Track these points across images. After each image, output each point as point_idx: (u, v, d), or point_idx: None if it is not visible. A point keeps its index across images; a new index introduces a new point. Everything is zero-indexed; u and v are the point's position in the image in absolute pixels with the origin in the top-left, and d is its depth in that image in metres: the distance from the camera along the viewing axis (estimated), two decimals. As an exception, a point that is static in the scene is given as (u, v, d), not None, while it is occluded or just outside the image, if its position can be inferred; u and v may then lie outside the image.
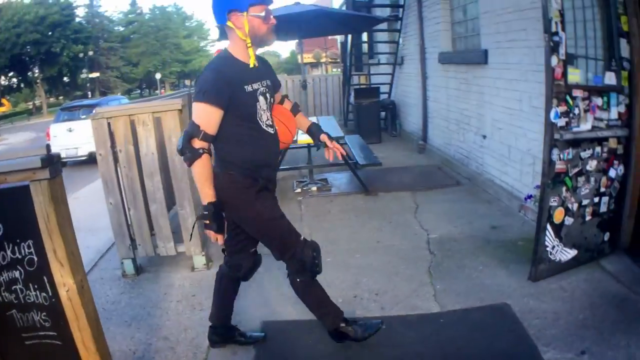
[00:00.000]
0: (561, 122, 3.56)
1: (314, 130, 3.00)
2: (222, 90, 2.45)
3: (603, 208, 4.02)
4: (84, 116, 11.22)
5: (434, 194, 6.27)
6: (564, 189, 3.71)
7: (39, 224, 1.97)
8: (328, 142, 2.95)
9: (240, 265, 2.95)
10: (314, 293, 2.97)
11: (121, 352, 3.29)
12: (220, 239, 2.66)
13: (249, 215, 2.71)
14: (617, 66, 3.81)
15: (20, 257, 2.05)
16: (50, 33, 44.71)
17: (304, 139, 5.94)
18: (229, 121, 2.53)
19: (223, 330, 3.20)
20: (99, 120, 4.03)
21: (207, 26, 65.36)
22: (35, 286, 2.08)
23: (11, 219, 2.04)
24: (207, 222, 2.58)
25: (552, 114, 3.48)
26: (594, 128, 3.75)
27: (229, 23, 2.50)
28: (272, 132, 2.72)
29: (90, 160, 10.03)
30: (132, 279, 4.40)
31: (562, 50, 3.41)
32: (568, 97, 3.55)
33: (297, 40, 7.07)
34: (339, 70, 23.98)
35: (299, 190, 6.44)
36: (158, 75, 52.82)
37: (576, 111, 3.62)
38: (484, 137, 6.38)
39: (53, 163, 1.96)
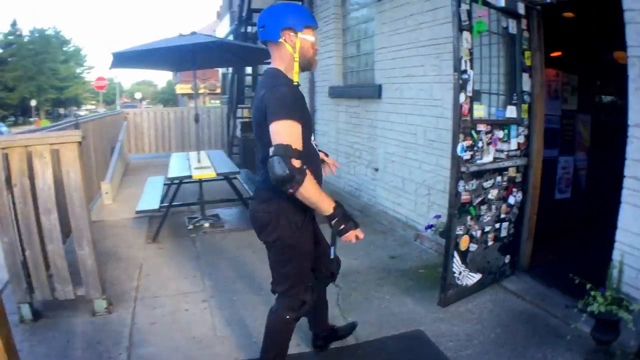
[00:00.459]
0: (466, 155, 3.76)
1: None
2: (300, 105, 2.43)
3: (503, 233, 4.31)
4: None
5: (325, 226, 6.30)
6: (468, 217, 3.92)
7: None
8: (326, 159, 3.03)
9: (304, 301, 2.74)
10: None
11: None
12: (361, 234, 2.52)
13: (288, 242, 2.59)
14: (518, 100, 4.15)
15: None
16: None
17: (198, 174, 5.73)
18: None
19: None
20: (-6, 150, 3.58)
21: (85, 52, 61.37)
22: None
23: None
24: (343, 226, 2.46)
25: (458, 148, 3.66)
26: (495, 159, 4.02)
27: (281, 40, 2.46)
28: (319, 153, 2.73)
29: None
30: (30, 325, 3.90)
31: (469, 88, 3.63)
32: (473, 132, 3.78)
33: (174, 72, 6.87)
34: (219, 102, 23.56)
35: (191, 226, 6.17)
36: (33, 102, 48.60)
37: (480, 144, 3.86)
38: (376, 170, 6.58)
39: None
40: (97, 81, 31.78)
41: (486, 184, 4.01)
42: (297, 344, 3.43)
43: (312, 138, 2.67)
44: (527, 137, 4.31)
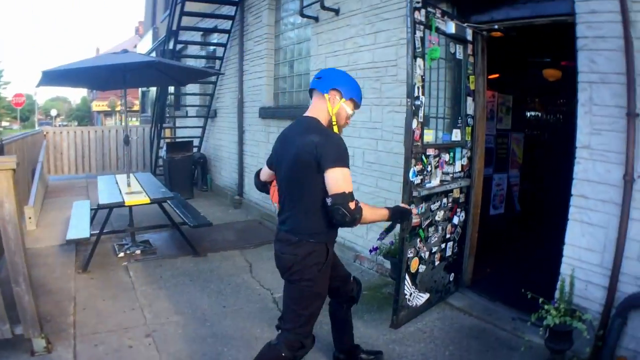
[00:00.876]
0: (417, 179, 3.83)
1: None
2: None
3: (448, 252, 4.42)
4: None
5: (264, 251, 6.18)
6: (418, 240, 3.99)
7: None
8: None
9: (304, 344, 2.79)
10: None
11: None
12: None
13: (310, 284, 2.70)
14: (462, 123, 4.27)
15: None
16: None
17: (131, 200, 5.45)
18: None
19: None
20: None
21: (1, 67, 56.45)
22: None
23: None
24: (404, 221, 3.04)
25: (410, 174, 3.72)
26: (442, 182, 4.12)
27: (326, 95, 2.69)
28: None
29: None
30: (-33, 367, 3.52)
31: (421, 113, 3.69)
32: (423, 157, 3.85)
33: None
34: (136, 120, 22.69)
35: (122, 254, 5.82)
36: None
37: (429, 168, 3.94)
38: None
39: None
40: (15, 97, 29.81)
41: (433, 207, 4.09)
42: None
43: None
44: (470, 159, 4.46)
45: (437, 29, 3.79)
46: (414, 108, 3.60)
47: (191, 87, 10.56)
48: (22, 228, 3.48)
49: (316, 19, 6.11)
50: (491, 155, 5.56)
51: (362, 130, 5.42)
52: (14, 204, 3.35)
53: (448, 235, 4.36)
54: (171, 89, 10.47)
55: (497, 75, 5.39)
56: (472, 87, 4.31)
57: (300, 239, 2.65)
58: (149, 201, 5.56)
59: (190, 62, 10.57)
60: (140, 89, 17.80)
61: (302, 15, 6.12)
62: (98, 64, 5.40)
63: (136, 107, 23.78)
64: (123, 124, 23.01)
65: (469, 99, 4.31)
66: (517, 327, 3.91)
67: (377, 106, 5.15)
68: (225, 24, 8.94)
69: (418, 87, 3.62)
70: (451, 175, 4.24)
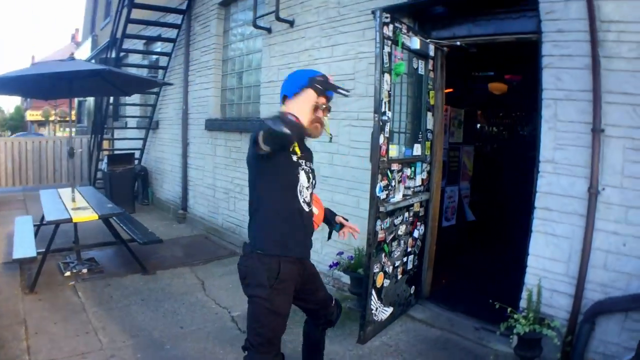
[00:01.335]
0: (383, 195, 3.82)
1: (327, 214, 3.05)
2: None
3: (410, 265, 4.45)
4: None
5: (214, 267, 6.04)
6: (383, 255, 3.98)
7: None
8: (345, 223, 3.06)
9: None
10: None
11: None
12: None
13: (261, 298, 2.54)
14: (423, 137, 4.32)
15: None
16: None
17: (78, 216, 5.17)
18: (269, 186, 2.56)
19: None
20: None
21: None
22: None
23: None
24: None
25: (377, 189, 3.72)
26: (404, 196, 4.14)
27: (282, 107, 2.63)
28: (307, 209, 2.67)
29: None
30: None
31: (387, 129, 3.70)
32: (389, 172, 3.86)
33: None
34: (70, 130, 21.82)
35: (68, 273, 5.51)
36: None
37: (393, 183, 3.95)
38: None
39: None
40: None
41: (397, 221, 4.11)
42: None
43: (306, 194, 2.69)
44: (429, 173, 4.51)
45: (402, 44, 3.81)
46: (381, 123, 3.59)
47: (131, 97, 10.17)
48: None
49: (269, 30, 6.04)
50: (444, 168, 5.67)
51: (316, 144, 5.33)
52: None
53: (409, 249, 4.39)
54: (110, 98, 10.06)
55: (451, 90, 5.52)
56: (432, 102, 4.38)
57: (251, 250, 2.60)
58: (97, 217, 5.30)
59: (132, 72, 10.20)
60: (76, 99, 17.09)
61: (255, 26, 6.02)
62: (44, 72, 5.10)
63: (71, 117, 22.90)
64: (56, 134, 22.02)
65: (429, 114, 4.37)
66: (481, 337, 3.98)
67: (333, 120, 5.10)
68: (171, 33, 8.69)
69: (385, 103, 3.63)
70: (412, 189, 4.27)
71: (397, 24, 3.69)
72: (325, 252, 5.20)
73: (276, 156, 2.48)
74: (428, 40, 4.15)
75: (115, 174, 9.13)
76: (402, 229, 4.19)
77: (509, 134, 8.29)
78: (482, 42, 3.99)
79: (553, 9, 3.36)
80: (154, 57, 9.95)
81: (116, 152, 10.29)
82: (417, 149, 4.28)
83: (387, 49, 3.58)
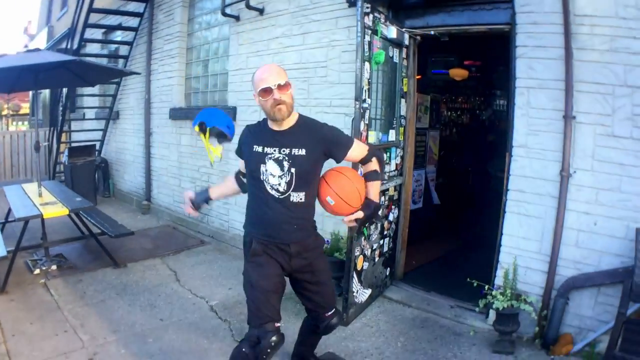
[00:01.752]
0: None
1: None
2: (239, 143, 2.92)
3: (385, 248, 4.59)
4: None
5: (185, 257, 6.01)
6: (362, 238, 4.10)
7: None
8: None
9: (260, 339, 2.73)
10: None
11: None
12: None
13: (244, 269, 2.90)
14: (397, 124, 4.43)
15: None
16: None
17: (49, 211, 5.06)
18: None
19: None
20: None
21: None
22: None
23: None
24: None
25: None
26: (382, 182, 4.23)
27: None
28: (280, 197, 2.73)
29: None
30: None
31: (367, 116, 3.79)
32: (368, 157, 3.94)
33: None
34: (25, 124, 20.88)
35: (37, 271, 5.37)
36: None
37: (372, 168, 4.03)
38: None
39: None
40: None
41: (374, 205, 4.20)
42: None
43: (276, 181, 2.76)
44: (402, 158, 4.64)
45: (382, 35, 3.91)
46: (361, 110, 3.68)
47: (90, 88, 9.90)
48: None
49: (237, 18, 6.01)
50: (413, 153, 5.83)
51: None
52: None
53: (385, 232, 4.52)
54: (66, 90, 9.75)
55: (419, 77, 5.67)
56: (405, 89, 4.50)
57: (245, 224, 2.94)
58: (67, 212, 5.19)
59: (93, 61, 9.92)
60: (30, 92, 16.42)
61: (224, 14, 5.97)
62: (11, 65, 4.92)
63: (25, 110, 21.82)
64: (10, 128, 21.08)
65: (402, 101, 4.49)
66: (457, 314, 4.18)
67: (305, 107, 5.17)
68: (132, 22, 8.47)
69: (365, 90, 3.72)
70: (387, 174, 4.39)
71: (376, 14, 3.78)
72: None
73: (241, 148, 2.87)
74: (404, 30, 4.26)
75: (76, 166, 8.87)
76: (379, 213, 4.31)
77: (469, 118, 8.55)
78: (455, 31, 4.13)
79: (528, 2, 3.54)
80: (114, 46, 9.69)
81: (74, 144, 10.00)
82: (392, 135, 4.39)
83: (367, 38, 3.66)
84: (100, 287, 4.99)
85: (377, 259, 4.42)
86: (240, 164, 3.00)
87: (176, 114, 7.49)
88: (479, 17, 3.92)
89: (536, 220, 3.64)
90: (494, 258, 3.94)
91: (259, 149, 2.73)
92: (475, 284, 3.71)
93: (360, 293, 4.18)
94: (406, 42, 4.33)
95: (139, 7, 8.21)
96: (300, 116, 2.81)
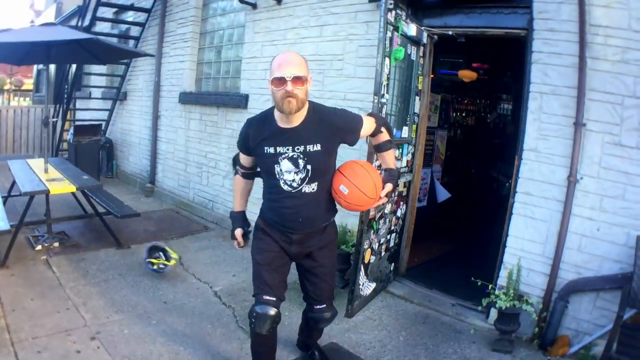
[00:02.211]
0: (376, 173, 3.96)
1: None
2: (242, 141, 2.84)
3: (392, 243, 4.66)
4: None
5: (189, 242, 6.03)
6: (372, 232, 4.16)
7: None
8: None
9: (257, 315, 2.80)
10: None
11: None
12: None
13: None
14: (410, 120, 4.49)
15: None
16: None
17: (55, 187, 5.08)
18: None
19: None
20: None
21: None
22: None
23: None
24: None
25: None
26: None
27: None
28: (293, 191, 2.70)
29: None
30: None
31: (384, 111, 3.85)
32: (381, 152, 3.99)
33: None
34: (28, 99, 20.67)
35: (39, 247, 5.38)
36: None
37: (384, 163, 4.09)
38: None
39: None
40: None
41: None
42: None
43: (291, 177, 2.73)
44: (413, 155, 4.70)
45: (403, 32, 3.95)
46: (380, 105, 3.73)
47: (98, 67, 9.88)
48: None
49: (254, 6, 6.03)
50: (420, 151, 5.89)
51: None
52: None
53: (393, 227, 4.59)
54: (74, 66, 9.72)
55: (432, 76, 5.72)
56: (420, 87, 4.55)
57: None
58: (75, 189, 5.22)
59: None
60: (36, 66, 16.30)
61: (241, 0, 6.01)
62: (26, 40, 4.92)
63: (27, 86, 21.61)
64: (11, 103, 20.84)
65: (417, 98, 4.55)
66: (458, 312, 4.26)
67: (319, 99, 5.14)
68: (145, 2, 8.45)
69: (384, 86, 3.76)
70: (399, 170, 4.44)
71: (398, 11, 3.83)
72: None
73: (247, 144, 2.78)
74: (422, 28, 4.31)
75: (81, 145, 8.87)
76: (388, 208, 4.37)
77: (476, 120, 8.60)
78: (472, 33, 4.19)
79: (546, 9, 3.59)
80: (124, 26, 9.67)
81: (78, 122, 9.99)
82: (404, 132, 4.45)
83: (388, 34, 3.71)
84: (103, 266, 5.01)
85: (383, 254, 4.49)
86: (241, 158, 2.93)
87: (186, 99, 7.52)
88: (497, 20, 3.98)
89: (542, 223, 3.72)
90: (497, 258, 4.02)
91: (271, 150, 2.65)
92: (479, 283, 3.78)
93: (366, 286, 4.25)
94: (424, 40, 4.38)
95: (153, -12, 8.21)
96: (310, 106, 2.69)
